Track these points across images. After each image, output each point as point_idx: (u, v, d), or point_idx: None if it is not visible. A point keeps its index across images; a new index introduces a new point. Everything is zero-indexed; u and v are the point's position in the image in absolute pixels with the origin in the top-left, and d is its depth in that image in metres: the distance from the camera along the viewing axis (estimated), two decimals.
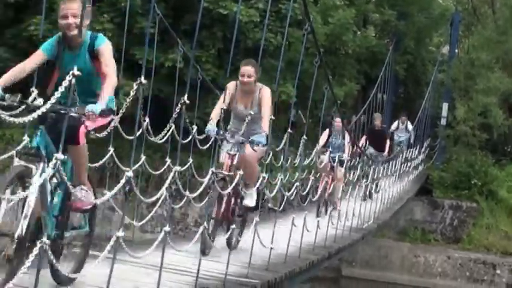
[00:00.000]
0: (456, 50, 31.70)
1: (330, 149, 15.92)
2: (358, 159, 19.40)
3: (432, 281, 22.28)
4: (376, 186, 19.43)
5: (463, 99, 27.94)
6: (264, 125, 8.72)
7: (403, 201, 21.22)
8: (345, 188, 16.56)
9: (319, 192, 13.87)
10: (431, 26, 31.64)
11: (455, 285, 22.32)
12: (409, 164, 25.06)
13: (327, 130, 16.49)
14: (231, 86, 9.21)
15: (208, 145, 8.52)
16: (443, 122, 29.49)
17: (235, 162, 8.74)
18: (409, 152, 26.21)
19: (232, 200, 9.01)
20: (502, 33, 29.43)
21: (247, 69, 9.12)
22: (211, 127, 8.64)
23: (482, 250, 23.60)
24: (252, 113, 8.53)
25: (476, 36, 31.04)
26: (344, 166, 16.35)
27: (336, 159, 15.70)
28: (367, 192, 18.41)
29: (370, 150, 20.28)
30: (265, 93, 9.03)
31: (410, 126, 25.82)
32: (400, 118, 25.75)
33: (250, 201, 9.19)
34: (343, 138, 16.47)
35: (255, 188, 9.14)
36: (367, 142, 20.77)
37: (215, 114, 8.83)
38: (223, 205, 8.72)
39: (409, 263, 22.61)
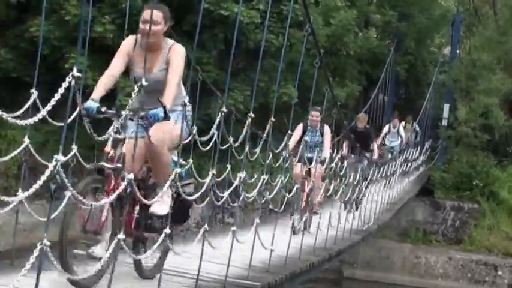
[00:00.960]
0: (457, 51, 31.70)
1: (304, 148, 13.17)
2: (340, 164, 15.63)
3: (433, 282, 22.28)
4: (357, 200, 16.76)
5: (465, 100, 27.94)
6: (168, 92, 6.19)
7: (404, 202, 21.20)
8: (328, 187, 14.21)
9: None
10: (433, 26, 31.67)
11: (457, 287, 22.34)
12: (409, 164, 25.03)
13: (300, 126, 13.65)
14: (127, 42, 6.74)
15: (209, 147, 8.50)
16: (444, 123, 29.49)
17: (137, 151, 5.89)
18: (409, 154, 25.48)
19: (133, 207, 6.31)
20: (503, 34, 29.43)
21: (152, 14, 5.98)
22: (90, 103, 6.22)
23: (484, 251, 23.60)
24: (155, 78, 6.32)
25: (478, 37, 31.04)
26: (325, 165, 13.43)
27: (314, 161, 13.10)
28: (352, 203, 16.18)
29: (350, 160, 16.95)
30: (176, 52, 6.53)
31: (402, 131, 24.23)
32: (392, 121, 24.41)
33: (159, 207, 6.36)
34: (322, 134, 13.55)
35: (167, 187, 6.00)
36: (348, 150, 17.25)
37: (102, 83, 6.48)
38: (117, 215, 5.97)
39: (411, 264, 22.61)
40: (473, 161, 26.11)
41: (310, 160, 13.19)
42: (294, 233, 11.29)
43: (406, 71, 30.60)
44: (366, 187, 17.58)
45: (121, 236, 5.30)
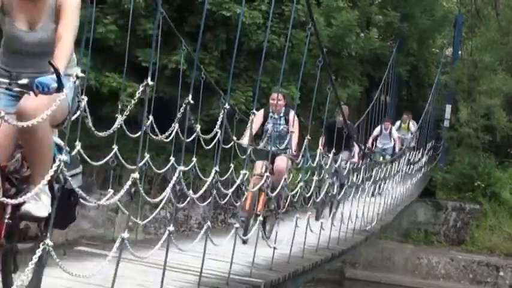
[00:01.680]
0: (459, 52, 31.65)
1: (266, 139, 10.91)
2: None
3: (435, 283, 22.28)
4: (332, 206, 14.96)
5: (466, 101, 27.92)
6: (61, 53, 4.59)
7: (407, 203, 21.20)
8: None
9: (247, 204, 10.28)
10: (435, 27, 31.63)
11: (458, 287, 22.33)
12: (411, 166, 25.00)
13: (261, 112, 11.20)
14: None
15: (212, 144, 8.52)
16: (446, 123, 29.46)
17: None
18: (406, 158, 23.95)
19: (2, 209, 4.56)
20: (505, 35, 29.43)
21: None
22: None
23: (486, 252, 23.60)
24: (40, 36, 4.86)
25: (480, 38, 31.03)
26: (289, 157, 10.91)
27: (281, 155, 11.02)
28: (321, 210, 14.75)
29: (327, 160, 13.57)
30: (68, 1, 4.95)
31: (395, 133, 22.41)
32: (384, 122, 22.55)
33: (35, 206, 4.59)
34: (287, 122, 11.08)
35: (46, 182, 4.26)
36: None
37: None
38: None
39: (412, 264, 22.61)
40: (475, 161, 26.11)
41: (274, 153, 10.56)
42: (243, 242, 9.45)
43: (408, 72, 30.56)
44: (340, 193, 14.81)
45: None
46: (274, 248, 8.59)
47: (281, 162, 10.78)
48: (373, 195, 17.81)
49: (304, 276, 9.79)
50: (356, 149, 16.84)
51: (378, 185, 18.87)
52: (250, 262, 7.94)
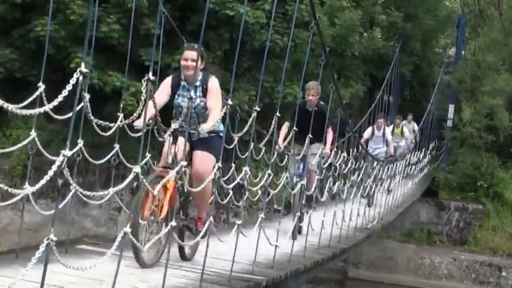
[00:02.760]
0: (462, 52, 31.69)
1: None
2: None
3: (438, 283, 22.26)
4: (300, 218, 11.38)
5: (469, 101, 27.93)
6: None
7: (408, 204, 21.20)
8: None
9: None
10: (438, 27, 31.65)
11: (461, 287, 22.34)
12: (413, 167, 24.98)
13: (168, 79, 7.98)
14: None
15: None
16: (449, 123, 29.49)
17: None
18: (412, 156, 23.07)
19: None
20: (508, 35, 29.41)
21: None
22: None
23: (488, 252, 23.59)
24: None
25: (483, 38, 31.00)
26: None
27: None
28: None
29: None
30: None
31: (389, 135, 19.71)
32: (376, 122, 19.68)
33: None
34: (205, 93, 7.82)
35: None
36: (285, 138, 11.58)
37: None
38: None
39: (415, 264, 22.60)
40: (478, 162, 26.12)
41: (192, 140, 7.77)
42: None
43: (411, 72, 30.60)
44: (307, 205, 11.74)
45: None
46: (276, 246, 8.60)
47: (202, 163, 7.67)
48: (363, 196, 16.16)
49: (305, 274, 9.80)
50: (328, 140, 11.98)
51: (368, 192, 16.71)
52: (252, 260, 7.95)
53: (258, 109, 7.32)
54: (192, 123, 7.58)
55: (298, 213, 10.93)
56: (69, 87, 4.64)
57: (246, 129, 7.51)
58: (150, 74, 5.38)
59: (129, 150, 11.12)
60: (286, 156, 10.67)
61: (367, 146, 18.63)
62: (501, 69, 28.19)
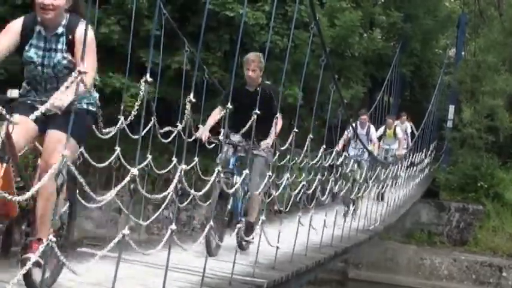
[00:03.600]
0: (463, 52, 31.70)
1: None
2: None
3: (438, 284, 22.26)
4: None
5: (470, 101, 27.93)
6: None
7: (409, 205, 21.20)
8: None
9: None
10: (438, 28, 31.64)
11: None
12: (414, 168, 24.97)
13: (20, 22, 5.83)
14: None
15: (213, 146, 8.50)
16: (449, 124, 29.49)
17: None
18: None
19: None
20: (508, 35, 29.43)
21: None
22: None
23: (489, 253, 23.58)
24: None
25: (483, 39, 31.03)
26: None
27: None
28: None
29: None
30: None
31: (374, 136, 18.05)
32: (360, 118, 17.76)
33: None
34: (70, 48, 5.68)
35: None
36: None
37: None
38: None
39: (415, 265, 22.60)
40: (478, 162, 26.11)
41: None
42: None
43: (411, 73, 30.59)
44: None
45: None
46: (277, 247, 8.59)
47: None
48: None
49: (307, 275, 9.79)
50: (272, 135, 9.13)
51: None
52: (253, 262, 7.94)
53: (258, 112, 7.30)
54: (49, 90, 5.61)
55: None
56: (67, 84, 4.56)
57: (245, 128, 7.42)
58: (148, 75, 5.30)
59: (129, 151, 11.12)
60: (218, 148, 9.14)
61: (348, 146, 16.88)
62: (501, 70, 28.19)
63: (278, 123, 9.08)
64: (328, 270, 15.65)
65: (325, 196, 12.63)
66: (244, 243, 9.08)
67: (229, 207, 8.70)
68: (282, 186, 9.54)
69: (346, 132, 16.78)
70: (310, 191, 11.49)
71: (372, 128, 18.18)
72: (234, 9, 19.92)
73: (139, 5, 18.80)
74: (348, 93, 23.82)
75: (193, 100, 5.85)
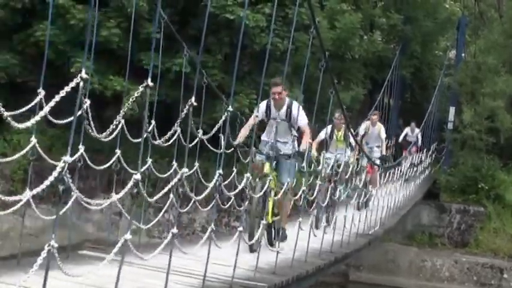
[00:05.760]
0: (463, 54, 31.66)
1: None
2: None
3: (439, 285, 22.26)
4: None
5: (470, 103, 27.90)
6: None
7: (409, 207, 21.18)
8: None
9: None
10: (438, 30, 31.66)
11: None
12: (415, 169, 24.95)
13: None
14: None
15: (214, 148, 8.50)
16: (450, 126, 29.46)
17: None
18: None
19: None
20: (508, 37, 29.42)
21: None
22: None
23: (490, 254, 23.57)
24: None
25: (483, 40, 31.04)
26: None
27: None
28: None
29: None
30: None
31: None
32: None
33: None
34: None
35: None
36: None
37: None
38: None
39: (416, 267, 22.59)
40: (479, 164, 26.09)
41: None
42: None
43: (411, 74, 30.60)
44: None
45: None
46: (278, 252, 8.58)
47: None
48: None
49: (307, 280, 9.77)
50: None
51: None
52: (254, 266, 7.94)
53: (259, 118, 7.31)
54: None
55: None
56: (67, 88, 4.61)
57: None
58: (149, 80, 5.32)
59: (130, 154, 11.10)
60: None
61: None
62: (501, 71, 28.17)
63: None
64: (329, 273, 15.62)
65: (325, 201, 12.58)
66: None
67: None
68: (282, 191, 9.52)
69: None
70: (312, 197, 11.47)
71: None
72: (234, 12, 19.93)
73: (139, 7, 18.82)
74: (348, 95, 23.81)
75: (195, 104, 5.85)
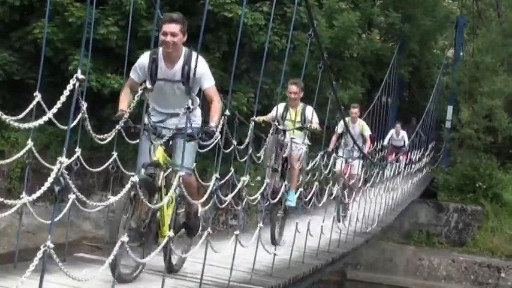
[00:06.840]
0: (461, 53, 31.67)
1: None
2: None
3: (437, 284, 22.24)
4: None
5: (468, 102, 27.87)
6: None
7: (407, 204, 21.18)
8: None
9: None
10: (436, 29, 31.60)
11: None
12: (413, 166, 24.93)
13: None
14: None
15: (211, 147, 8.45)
16: (448, 125, 29.43)
17: None
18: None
19: None
20: (506, 36, 29.38)
21: None
22: None
23: (487, 253, 23.55)
24: None
25: (481, 39, 30.98)
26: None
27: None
28: None
29: None
30: None
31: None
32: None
33: None
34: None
35: None
36: None
37: None
38: None
39: (414, 266, 22.58)
40: (477, 163, 26.06)
41: None
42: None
43: (409, 73, 30.55)
44: None
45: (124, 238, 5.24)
46: (275, 254, 8.55)
47: None
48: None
49: (305, 281, 9.74)
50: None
51: None
52: (251, 268, 7.90)
53: (256, 119, 7.28)
54: None
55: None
56: (66, 93, 4.59)
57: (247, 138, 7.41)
58: (148, 82, 5.33)
59: (127, 153, 11.09)
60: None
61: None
62: (499, 71, 28.13)
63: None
64: (326, 273, 15.56)
65: (324, 199, 12.54)
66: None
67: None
68: (281, 192, 9.50)
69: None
70: (308, 197, 11.44)
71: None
72: (233, 10, 19.92)
73: (137, 5, 18.79)
74: (346, 93, 23.79)
75: (192, 107, 5.84)
